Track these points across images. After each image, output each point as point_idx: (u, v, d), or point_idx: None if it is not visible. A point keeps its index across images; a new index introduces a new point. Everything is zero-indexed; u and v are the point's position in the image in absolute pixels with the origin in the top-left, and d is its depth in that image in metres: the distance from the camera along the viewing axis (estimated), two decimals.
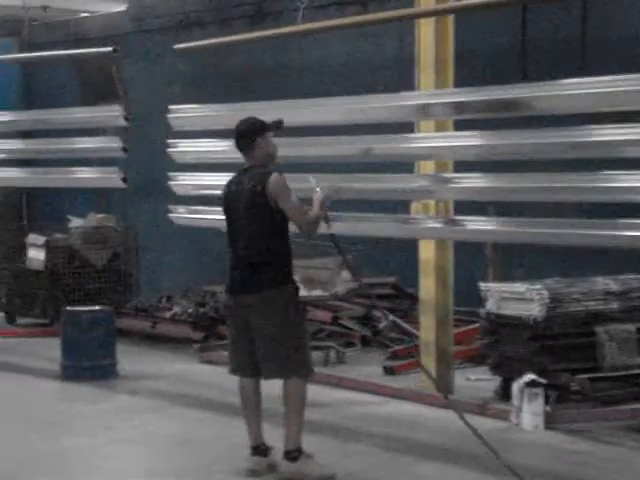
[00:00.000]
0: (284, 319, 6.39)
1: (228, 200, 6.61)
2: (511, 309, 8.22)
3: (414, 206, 8.52)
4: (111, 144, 10.12)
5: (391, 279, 11.53)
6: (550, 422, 7.50)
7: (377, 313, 10.68)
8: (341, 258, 7.82)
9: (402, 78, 9.23)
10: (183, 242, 13.56)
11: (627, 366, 8.05)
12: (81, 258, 12.68)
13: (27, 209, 16.64)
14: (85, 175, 10.60)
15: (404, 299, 11.34)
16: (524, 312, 8.07)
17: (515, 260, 10.13)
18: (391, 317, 10.59)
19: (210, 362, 10.26)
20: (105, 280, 12.71)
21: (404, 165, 8.54)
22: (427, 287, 8.69)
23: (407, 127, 8.46)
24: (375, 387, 8.91)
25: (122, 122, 9.92)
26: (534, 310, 8.01)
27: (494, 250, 9.88)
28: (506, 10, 8.48)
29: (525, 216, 7.69)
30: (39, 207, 16.27)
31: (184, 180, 9.85)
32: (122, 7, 15.08)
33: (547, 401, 7.58)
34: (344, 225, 7.41)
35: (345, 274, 10.56)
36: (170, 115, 9.78)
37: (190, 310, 11.69)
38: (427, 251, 8.64)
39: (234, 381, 6.71)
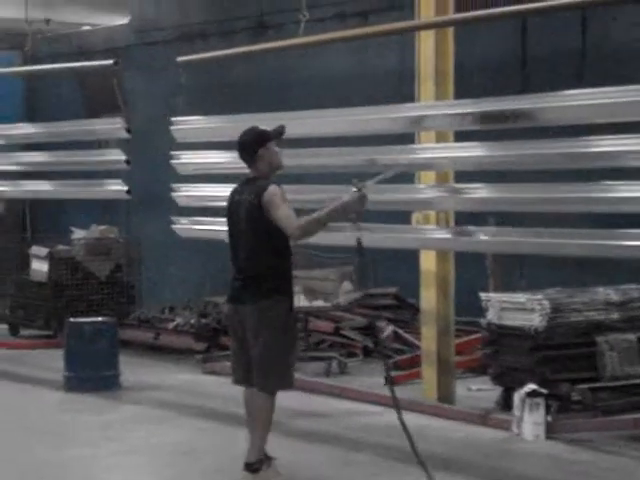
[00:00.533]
0: (276, 331, 6.35)
1: (231, 210, 6.60)
2: (512, 319, 8.23)
3: (415, 217, 8.56)
4: (114, 157, 10.16)
5: (392, 289, 11.56)
6: (551, 432, 7.50)
7: (379, 323, 10.71)
8: (360, 263, 7.78)
9: (403, 90, 9.27)
10: (186, 253, 13.58)
11: (628, 376, 8.06)
12: (84, 270, 12.69)
13: (30, 221, 16.69)
14: (89, 187, 10.65)
15: (406, 309, 11.37)
16: (525, 322, 8.08)
17: (516, 270, 10.15)
18: (391, 327, 10.61)
19: (213, 373, 10.26)
20: (108, 291, 12.71)
21: (405, 176, 8.56)
22: (428, 298, 8.71)
23: (408, 138, 8.50)
24: (377, 397, 8.90)
25: (124, 134, 9.96)
26: (535, 320, 8.01)
27: (495, 260, 9.90)
28: (506, 23, 8.52)
29: (525, 226, 7.72)
30: (42, 219, 16.31)
31: (187, 191, 9.87)
32: (124, 20, 15.16)
33: (548, 411, 7.58)
34: (344, 235, 7.42)
35: (347, 284, 10.58)
36: (173, 127, 9.81)
37: (192, 321, 11.71)
38: (428, 262, 8.66)
39: (237, 391, 6.71)
